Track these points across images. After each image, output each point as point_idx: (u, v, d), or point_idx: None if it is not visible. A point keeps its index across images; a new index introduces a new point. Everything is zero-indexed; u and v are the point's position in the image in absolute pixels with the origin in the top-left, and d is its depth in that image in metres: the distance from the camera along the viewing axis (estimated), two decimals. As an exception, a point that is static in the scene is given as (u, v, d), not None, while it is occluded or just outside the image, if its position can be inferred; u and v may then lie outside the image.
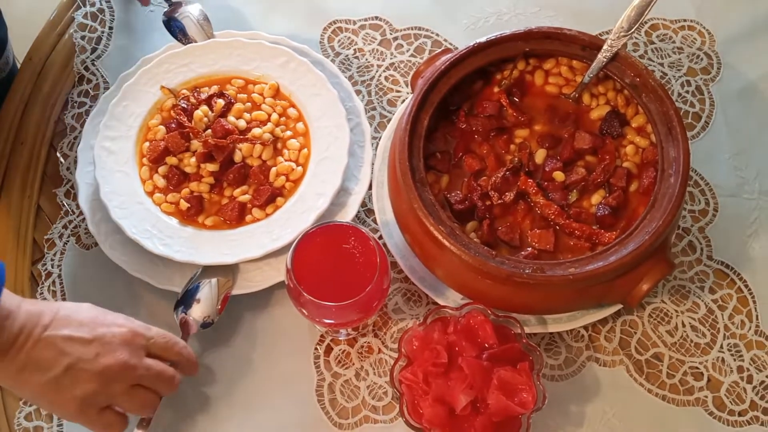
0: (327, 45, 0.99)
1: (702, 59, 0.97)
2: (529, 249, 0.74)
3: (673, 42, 0.98)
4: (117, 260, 0.82)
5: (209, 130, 0.85)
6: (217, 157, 0.84)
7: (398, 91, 0.96)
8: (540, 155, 0.78)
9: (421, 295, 0.84)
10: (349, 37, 1.00)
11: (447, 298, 0.80)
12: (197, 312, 0.78)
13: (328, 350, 0.82)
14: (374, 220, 0.85)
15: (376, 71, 0.97)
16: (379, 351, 0.82)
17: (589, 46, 0.78)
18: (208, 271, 0.81)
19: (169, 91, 0.89)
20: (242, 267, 0.82)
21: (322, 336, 0.83)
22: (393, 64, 0.98)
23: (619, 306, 0.78)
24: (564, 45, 0.79)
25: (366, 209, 0.88)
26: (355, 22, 1.00)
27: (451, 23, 1.00)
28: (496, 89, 0.82)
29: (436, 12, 1.01)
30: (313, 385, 0.81)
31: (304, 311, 0.74)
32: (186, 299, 0.79)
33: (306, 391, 0.81)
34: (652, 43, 0.97)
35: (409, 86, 0.84)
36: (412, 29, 1.00)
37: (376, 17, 1.01)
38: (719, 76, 0.96)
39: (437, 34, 0.99)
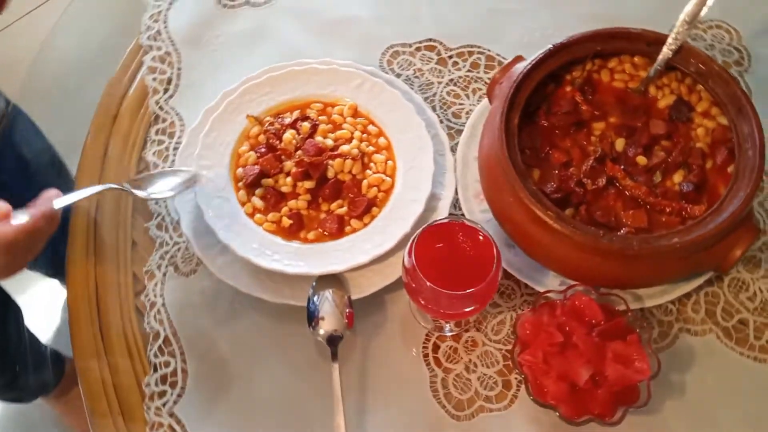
0: (387, 68, 1.05)
1: (733, 53, 1.06)
2: (625, 229, 0.79)
3: (705, 40, 1.07)
4: (228, 280, 0.85)
5: (299, 151, 0.90)
6: (313, 175, 0.88)
7: (461, 104, 1.02)
8: (620, 144, 0.85)
9: (515, 288, 0.89)
10: (407, 59, 1.06)
11: (545, 286, 0.85)
12: (326, 327, 0.81)
13: (436, 348, 0.86)
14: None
15: (437, 87, 1.03)
16: (483, 344, 0.86)
17: (654, 41, 0.85)
18: (320, 284, 0.84)
19: (255, 119, 0.93)
20: (348, 276, 0.86)
21: (427, 335, 0.87)
22: (452, 80, 1.04)
23: (706, 277, 0.84)
24: (630, 43, 0.87)
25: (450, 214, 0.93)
26: (410, 45, 1.07)
27: (499, 40, 1.07)
28: (568, 89, 0.88)
29: (485, 31, 1.08)
30: (426, 383, 0.84)
31: (422, 301, 0.77)
32: (310, 318, 0.83)
33: (421, 388, 0.84)
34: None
35: (486, 96, 0.90)
36: (465, 47, 1.07)
37: (430, 39, 1.07)
38: (751, 67, 1.05)
39: (488, 50, 1.06)
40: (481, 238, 0.77)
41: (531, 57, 0.86)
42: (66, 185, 1.11)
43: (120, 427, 0.83)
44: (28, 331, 1.36)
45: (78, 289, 0.91)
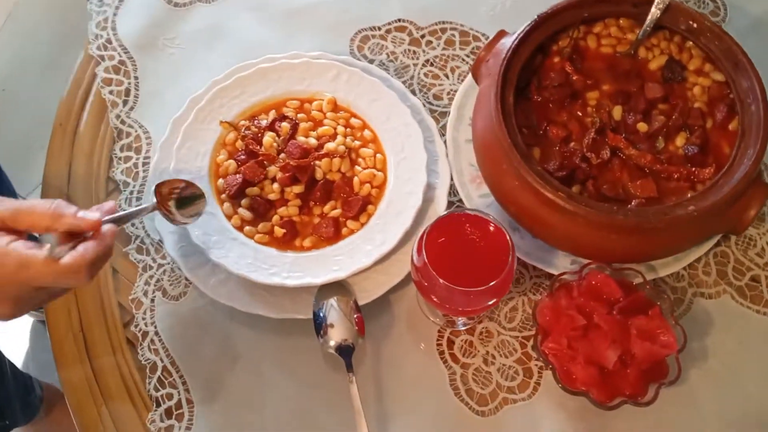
0: (358, 54, 1.00)
1: (708, 4, 1.03)
2: (636, 201, 0.76)
3: (678, -7, 1.04)
4: (223, 300, 0.80)
5: (282, 154, 0.84)
6: (301, 178, 0.83)
7: (441, 85, 0.97)
8: (617, 112, 0.82)
9: (523, 272, 0.86)
10: (378, 43, 1.01)
11: (556, 267, 0.82)
12: (336, 337, 0.77)
13: (450, 343, 0.83)
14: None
15: (414, 69, 0.99)
16: (499, 333, 0.83)
17: (641, 2, 0.82)
18: (324, 292, 0.80)
19: (229, 125, 0.87)
20: (352, 280, 0.81)
21: (440, 331, 0.83)
22: (428, 60, 0.99)
23: (715, 240, 0.82)
24: (616, 6, 0.83)
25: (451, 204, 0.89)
26: (380, 28, 1.02)
27: (472, 13, 1.02)
28: (556, 59, 0.85)
29: (455, 5, 1.03)
30: (446, 380, 0.81)
31: (436, 299, 0.73)
32: (318, 329, 0.78)
33: (441, 387, 0.81)
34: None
35: (472, 75, 0.86)
36: (436, 24, 1.02)
37: (399, 19, 1.02)
38: (728, 17, 1.02)
39: (462, 25, 1.02)
40: (492, 228, 0.73)
41: (516, 31, 0.82)
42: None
43: (129, 471, 0.78)
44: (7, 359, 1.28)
45: (61, 329, 0.84)
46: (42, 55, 2.08)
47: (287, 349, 0.82)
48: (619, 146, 0.79)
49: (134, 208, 0.75)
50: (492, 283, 0.70)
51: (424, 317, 0.84)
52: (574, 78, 0.83)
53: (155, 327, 0.84)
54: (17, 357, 1.71)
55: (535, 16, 0.81)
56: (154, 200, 0.74)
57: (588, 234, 0.74)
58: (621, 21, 0.86)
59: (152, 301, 0.85)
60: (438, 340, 0.83)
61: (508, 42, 0.81)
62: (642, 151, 0.79)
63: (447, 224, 0.74)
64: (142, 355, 0.83)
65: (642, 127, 0.80)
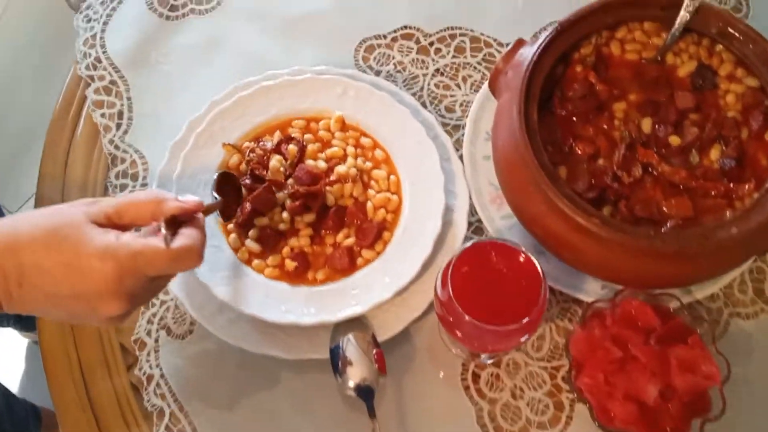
0: (364, 65, 0.94)
1: (729, 0, 0.98)
2: (671, 221, 0.71)
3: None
4: (233, 341, 0.75)
5: (291, 180, 0.79)
6: (312, 207, 0.77)
7: (453, 96, 0.92)
8: (646, 124, 0.76)
9: (549, 298, 0.80)
10: (384, 53, 0.95)
11: (587, 292, 0.77)
12: (355, 377, 0.72)
13: (476, 377, 0.78)
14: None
15: (423, 80, 0.93)
16: (526, 364, 0.78)
17: (669, 5, 0.77)
18: (340, 328, 0.74)
19: (233, 147, 0.81)
20: (369, 314, 0.76)
21: (464, 364, 0.78)
22: (438, 69, 0.94)
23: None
24: (642, 9, 0.78)
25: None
26: (385, 36, 0.96)
27: (481, 17, 0.97)
28: (578, 69, 0.79)
29: (463, 9, 0.98)
30: (473, 417, 0.76)
31: (460, 334, 0.68)
32: (336, 368, 0.73)
33: (468, 425, 0.76)
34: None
35: (488, 87, 0.80)
36: (444, 31, 0.96)
37: (405, 26, 0.96)
38: (751, 13, 0.97)
39: (472, 30, 0.96)
40: (522, 258, 0.68)
41: (535, 40, 0.76)
42: None
43: None
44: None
45: (60, 375, 0.79)
46: (33, 59, 2.01)
47: (304, 389, 0.77)
48: (651, 162, 0.74)
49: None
50: (524, 321, 0.65)
51: (446, 349, 0.79)
52: (599, 88, 0.78)
53: (161, 369, 0.79)
54: (13, 381, 1.66)
55: (557, 24, 0.76)
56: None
57: (624, 261, 0.69)
58: (645, 24, 0.80)
59: (156, 341, 0.80)
60: (462, 374, 0.78)
61: (527, 52, 0.76)
62: (675, 166, 0.74)
63: (473, 254, 0.69)
64: (148, 401, 0.77)
65: (674, 140, 0.75)
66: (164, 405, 0.77)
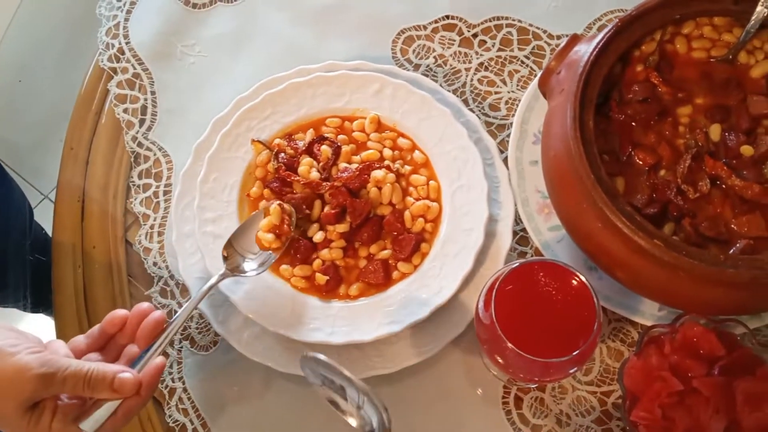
0: (402, 59, 0.88)
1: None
2: (742, 241, 0.64)
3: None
4: (259, 359, 0.70)
5: (325, 183, 0.73)
6: (353, 220, 0.72)
7: (498, 93, 0.85)
8: (715, 131, 0.69)
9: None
10: (424, 45, 0.88)
11: (643, 314, 0.71)
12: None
13: (518, 401, 0.72)
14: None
15: (466, 76, 0.86)
16: (573, 389, 0.73)
17: (743, -2, 0.69)
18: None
19: (262, 144, 0.76)
20: (404, 333, 0.71)
21: (505, 387, 0.73)
22: (482, 63, 0.87)
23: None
24: (712, 3, 0.70)
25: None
26: (425, 27, 0.89)
27: (530, 5, 0.89)
28: (639, 68, 0.72)
29: (510, -3, 0.90)
30: (515, 445, 0.71)
31: (501, 360, 0.63)
32: None
33: (509, 454, 0.70)
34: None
35: (539, 86, 0.74)
36: (489, 21, 0.89)
37: (447, 16, 0.89)
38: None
39: (519, 21, 0.89)
40: (575, 282, 0.62)
41: (594, 37, 0.69)
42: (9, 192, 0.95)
43: None
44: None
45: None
46: (58, 42, 1.98)
47: (333, 409, 0.72)
48: (720, 175, 0.67)
49: (186, 306, 0.66)
50: (574, 353, 0.59)
51: (486, 370, 0.74)
52: (662, 90, 0.71)
53: (183, 383, 0.75)
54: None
55: (617, 20, 0.68)
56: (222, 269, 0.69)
57: (688, 286, 0.62)
58: (715, 20, 0.72)
59: (179, 352, 0.76)
60: (504, 397, 0.72)
61: (583, 50, 0.69)
62: (747, 180, 0.66)
63: (521, 275, 0.63)
64: (169, 416, 0.74)
65: (746, 150, 0.67)
66: (186, 421, 0.73)
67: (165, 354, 0.67)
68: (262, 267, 0.69)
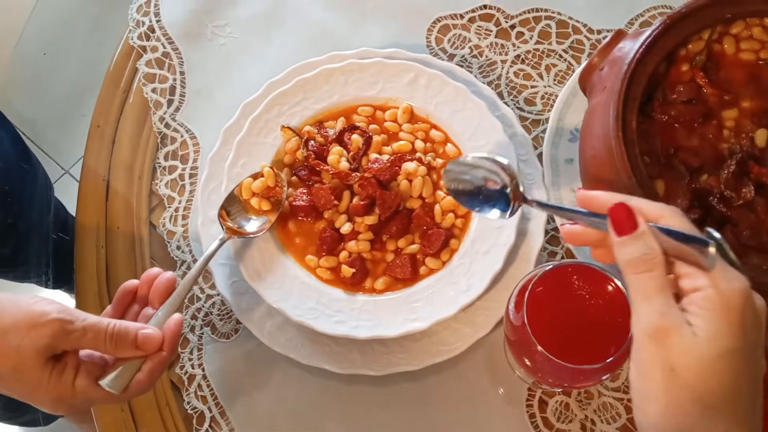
0: (437, 48, 0.86)
1: None
2: (786, 251, 0.62)
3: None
4: (281, 350, 0.69)
5: (354, 174, 0.72)
6: (382, 213, 0.70)
7: (534, 87, 0.83)
8: (761, 137, 0.66)
9: (630, 319, 0.73)
10: (460, 35, 0.86)
11: (675, 321, 0.68)
12: None
13: (543, 405, 0.71)
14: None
15: (501, 68, 0.84)
16: (600, 394, 0.71)
17: (799, -1, 0.66)
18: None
19: (292, 131, 0.75)
20: (430, 330, 0.69)
21: (530, 389, 0.71)
22: (518, 56, 0.84)
23: None
24: (764, 2, 0.67)
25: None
26: (462, 16, 0.87)
27: (571, -2, 0.87)
28: (684, 68, 0.69)
29: (551, -13, 0.88)
30: (537, 450, 0.69)
31: (529, 363, 0.61)
32: None
33: (532, 458, 0.69)
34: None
35: (579, 83, 0.71)
36: (529, 12, 0.86)
37: (485, 6, 0.87)
38: None
39: (559, 13, 0.86)
40: (610, 287, 0.60)
41: (640, 34, 0.67)
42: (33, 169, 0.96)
43: None
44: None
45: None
46: (85, 17, 1.98)
47: (354, 402, 0.71)
48: (765, 182, 0.64)
49: (200, 261, 0.67)
50: (607, 361, 0.57)
51: (511, 371, 0.72)
52: (708, 92, 0.68)
53: (203, 370, 0.74)
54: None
55: (665, 17, 0.66)
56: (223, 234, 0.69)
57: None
58: (766, 20, 0.70)
59: (200, 338, 0.75)
60: (528, 400, 0.71)
61: (629, 47, 0.66)
62: (794, 188, 0.64)
63: (554, 278, 0.61)
64: (188, 403, 0.73)
65: (794, 157, 0.65)
66: (205, 408, 0.73)
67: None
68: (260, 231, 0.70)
